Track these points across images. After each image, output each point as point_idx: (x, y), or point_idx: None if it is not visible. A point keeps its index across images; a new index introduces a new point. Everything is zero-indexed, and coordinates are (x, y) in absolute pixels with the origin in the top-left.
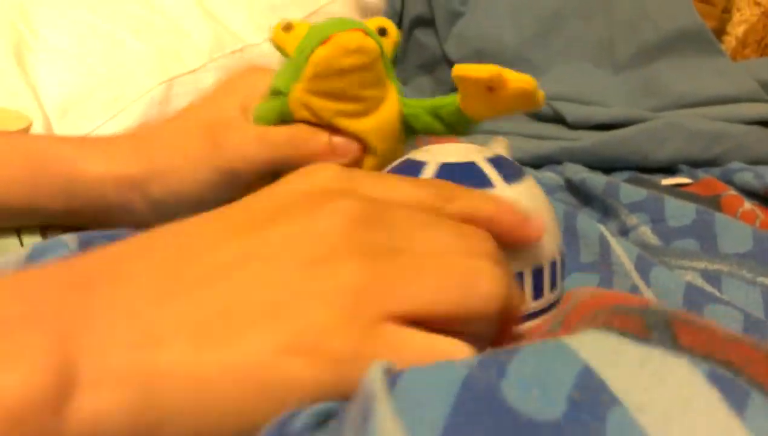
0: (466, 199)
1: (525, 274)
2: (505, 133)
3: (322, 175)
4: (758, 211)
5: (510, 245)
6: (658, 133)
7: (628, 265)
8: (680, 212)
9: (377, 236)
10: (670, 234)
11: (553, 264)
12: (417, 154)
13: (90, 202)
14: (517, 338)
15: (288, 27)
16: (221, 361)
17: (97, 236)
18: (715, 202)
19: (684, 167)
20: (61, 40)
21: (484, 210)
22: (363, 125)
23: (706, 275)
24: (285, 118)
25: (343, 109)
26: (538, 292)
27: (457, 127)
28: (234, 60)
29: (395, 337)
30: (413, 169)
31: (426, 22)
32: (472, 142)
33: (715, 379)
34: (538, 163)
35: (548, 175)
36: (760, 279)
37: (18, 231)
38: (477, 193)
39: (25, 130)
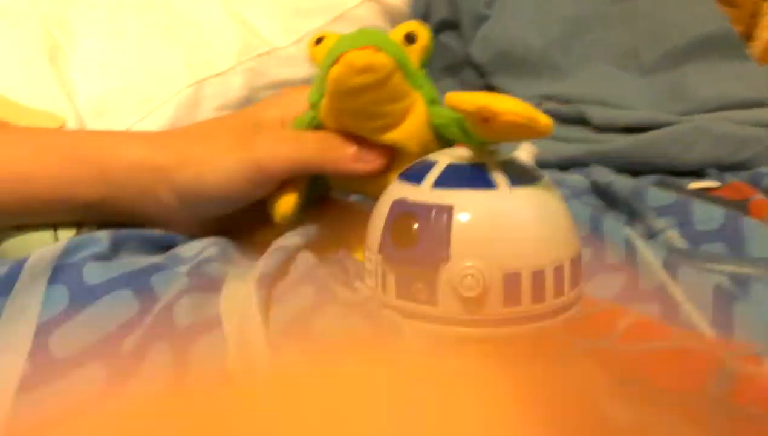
0: None
1: (546, 271)
2: None
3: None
4: None
5: None
6: (685, 136)
7: (656, 265)
8: (708, 216)
9: None
10: (698, 238)
11: (560, 267)
12: (434, 155)
13: (125, 190)
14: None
15: (319, 40)
16: None
17: (130, 235)
18: (743, 207)
19: (712, 171)
20: (93, 45)
21: None
22: (390, 137)
23: (734, 279)
24: (318, 129)
25: (364, 125)
26: (540, 293)
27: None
28: (261, 63)
29: None
30: (424, 168)
31: (451, 25)
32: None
33: None
34: (564, 165)
35: (574, 177)
36: None
37: (54, 227)
38: None
39: None
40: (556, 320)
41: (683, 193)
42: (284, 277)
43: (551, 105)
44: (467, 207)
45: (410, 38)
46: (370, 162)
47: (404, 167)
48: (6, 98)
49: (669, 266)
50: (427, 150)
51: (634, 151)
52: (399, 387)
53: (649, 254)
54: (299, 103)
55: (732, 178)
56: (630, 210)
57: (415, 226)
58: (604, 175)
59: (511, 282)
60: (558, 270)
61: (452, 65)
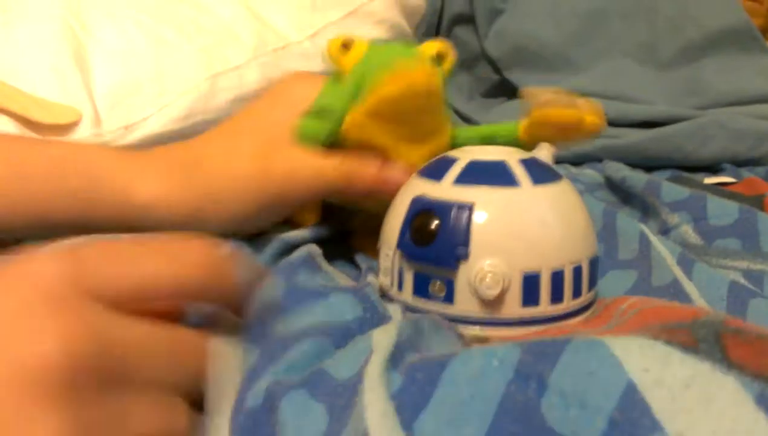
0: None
1: (565, 272)
2: None
3: (40, 273)
4: None
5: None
6: (701, 131)
7: (670, 260)
8: (723, 211)
9: (84, 403)
10: (712, 233)
11: (578, 268)
12: (453, 152)
13: (141, 224)
14: None
15: (347, 45)
16: None
17: None
18: (758, 202)
19: (727, 166)
20: (111, 37)
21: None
22: (416, 153)
23: (749, 275)
24: (334, 139)
25: (399, 137)
26: (559, 294)
27: None
28: (277, 57)
29: None
30: (446, 164)
31: (466, 19)
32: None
33: (764, 402)
34: (578, 160)
35: (588, 172)
36: None
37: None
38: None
39: (75, 124)
40: (573, 322)
41: (698, 189)
42: None
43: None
44: (488, 205)
45: (440, 58)
46: (394, 185)
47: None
48: (21, 91)
49: (683, 262)
50: None
51: (649, 146)
52: None
53: (663, 249)
54: (305, 98)
55: (748, 174)
56: (644, 205)
57: (435, 223)
58: (618, 171)
59: (530, 282)
60: (576, 271)
61: (467, 60)
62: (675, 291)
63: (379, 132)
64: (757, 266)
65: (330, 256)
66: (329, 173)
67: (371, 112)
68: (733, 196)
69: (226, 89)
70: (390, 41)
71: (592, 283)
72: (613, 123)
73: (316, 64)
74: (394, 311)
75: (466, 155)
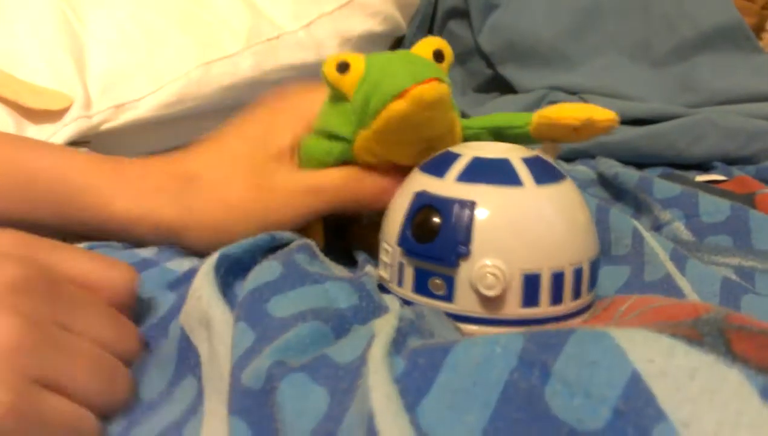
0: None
1: (566, 273)
2: None
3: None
4: None
5: None
6: (693, 129)
7: (663, 255)
8: (714, 208)
9: (40, 305)
10: (704, 230)
11: (579, 270)
12: (457, 148)
13: (122, 239)
14: None
15: (343, 67)
16: None
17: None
18: (749, 200)
19: (719, 164)
20: (103, 22)
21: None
22: (427, 157)
23: (740, 272)
24: (344, 162)
25: (411, 151)
26: (559, 294)
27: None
28: (270, 47)
29: (39, 398)
30: (448, 160)
31: (460, 13)
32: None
33: None
34: (570, 156)
35: (581, 168)
36: None
37: None
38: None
39: (66, 110)
40: (572, 323)
41: (689, 185)
42: None
43: (559, 96)
44: (491, 203)
45: (439, 56)
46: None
47: None
48: (14, 77)
49: (676, 258)
50: None
51: (642, 143)
52: None
53: (656, 245)
54: (306, 117)
55: (739, 172)
56: (636, 202)
57: (437, 219)
58: (611, 167)
59: (530, 282)
60: (577, 272)
61: (460, 54)
62: (668, 286)
63: (390, 148)
64: (748, 263)
65: (326, 251)
66: (330, 191)
67: (381, 132)
68: (724, 193)
69: (219, 75)
70: (385, 51)
71: (592, 284)
72: None
73: (311, 54)
74: (392, 301)
75: (469, 151)
